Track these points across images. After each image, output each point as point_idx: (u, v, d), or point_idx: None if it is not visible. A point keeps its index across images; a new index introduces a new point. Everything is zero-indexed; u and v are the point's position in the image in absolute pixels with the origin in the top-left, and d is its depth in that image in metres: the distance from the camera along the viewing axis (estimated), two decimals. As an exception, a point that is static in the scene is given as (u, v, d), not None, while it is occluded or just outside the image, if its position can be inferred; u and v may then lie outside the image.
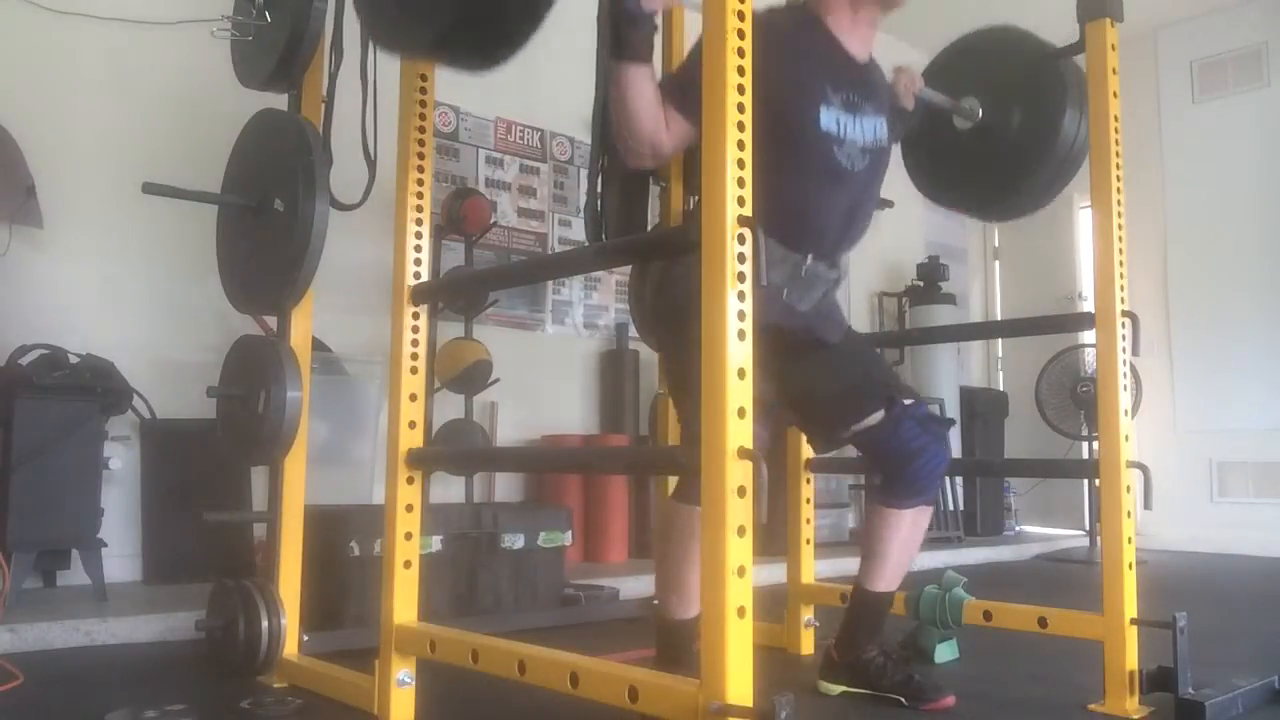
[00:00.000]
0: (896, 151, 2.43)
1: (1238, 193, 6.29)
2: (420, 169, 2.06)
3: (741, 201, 1.36)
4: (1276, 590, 4.54)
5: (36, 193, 3.24)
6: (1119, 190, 2.16)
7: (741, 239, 1.35)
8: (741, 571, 1.31)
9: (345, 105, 2.37)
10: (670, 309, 1.96)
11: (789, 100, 1.95)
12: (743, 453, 1.32)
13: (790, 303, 2.05)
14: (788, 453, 2.75)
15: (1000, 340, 7.37)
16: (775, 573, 2.75)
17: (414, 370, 2.02)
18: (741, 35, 1.38)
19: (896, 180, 2.46)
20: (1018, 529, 6.48)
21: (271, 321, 2.47)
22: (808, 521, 2.77)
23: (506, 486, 4.50)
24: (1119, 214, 2.16)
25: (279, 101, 2.41)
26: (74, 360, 3.17)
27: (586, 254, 2.01)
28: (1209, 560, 5.53)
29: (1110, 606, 2.09)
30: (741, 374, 1.34)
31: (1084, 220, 6.61)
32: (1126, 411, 2.13)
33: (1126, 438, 2.12)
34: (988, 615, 2.38)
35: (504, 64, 1.77)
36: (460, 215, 4.02)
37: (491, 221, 4.26)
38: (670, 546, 1.99)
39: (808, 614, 2.73)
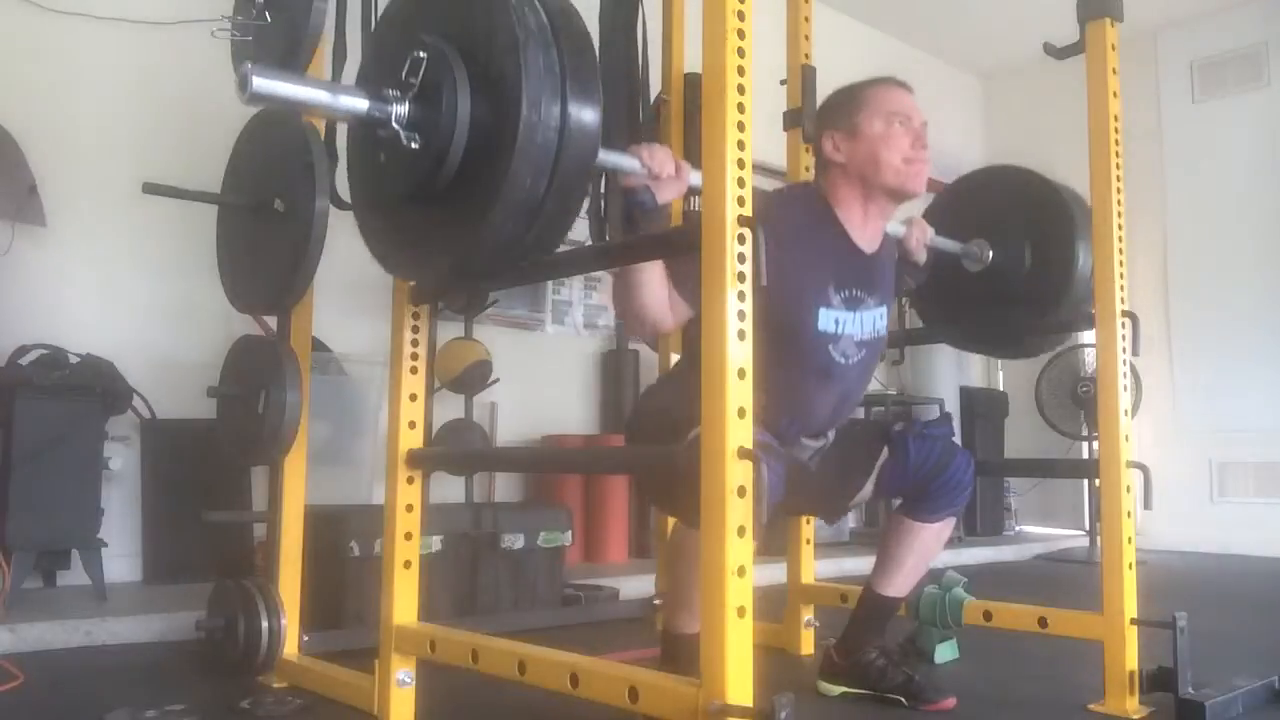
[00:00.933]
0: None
1: (1238, 193, 6.29)
2: (420, 169, 2.06)
3: (741, 201, 1.36)
4: (1276, 590, 4.54)
5: (38, 191, 3.24)
6: (1119, 190, 2.16)
7: (741, 239, 1.35)
8: (741, 571, 1.31)
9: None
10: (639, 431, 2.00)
11: (789, 299, 1.90)
12: (743, 453, 1.32)
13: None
14: (788, 453, 2.75)
15: (1000, 340, 7.35)
16: (775, 573, 2.75)
17: (414, 370, 2.02)
18: (741, 35, 1.38)
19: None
20: (1018, 529, 6.48)
21: (271, 321, 2.47)
22: (808, 521, 2.77)
23: (506, 486, 4.50)
24: (1119, 214, 2.16)
25: (279, 101, 2.41)
26: (74, 360, 3.17)
27: (586, 254, 2.01)
28: (1209, 560, 5.53)
29: (1110, 606, 2.09)
30: (741, 374, 1.34)
31: (1084, 220, 6.60)
32: (1126, 411, 2.13)
33: (1126, 438, 2.12)
34: (988, 615, 2.39)
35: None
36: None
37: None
38: (680, 567, 1.99)
39: (808, 614, 2.73)
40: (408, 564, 1.96)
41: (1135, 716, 2.05)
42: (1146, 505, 2.35)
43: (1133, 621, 2.07)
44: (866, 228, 2.08)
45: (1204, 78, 6.51)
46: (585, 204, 2.59)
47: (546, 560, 3.22)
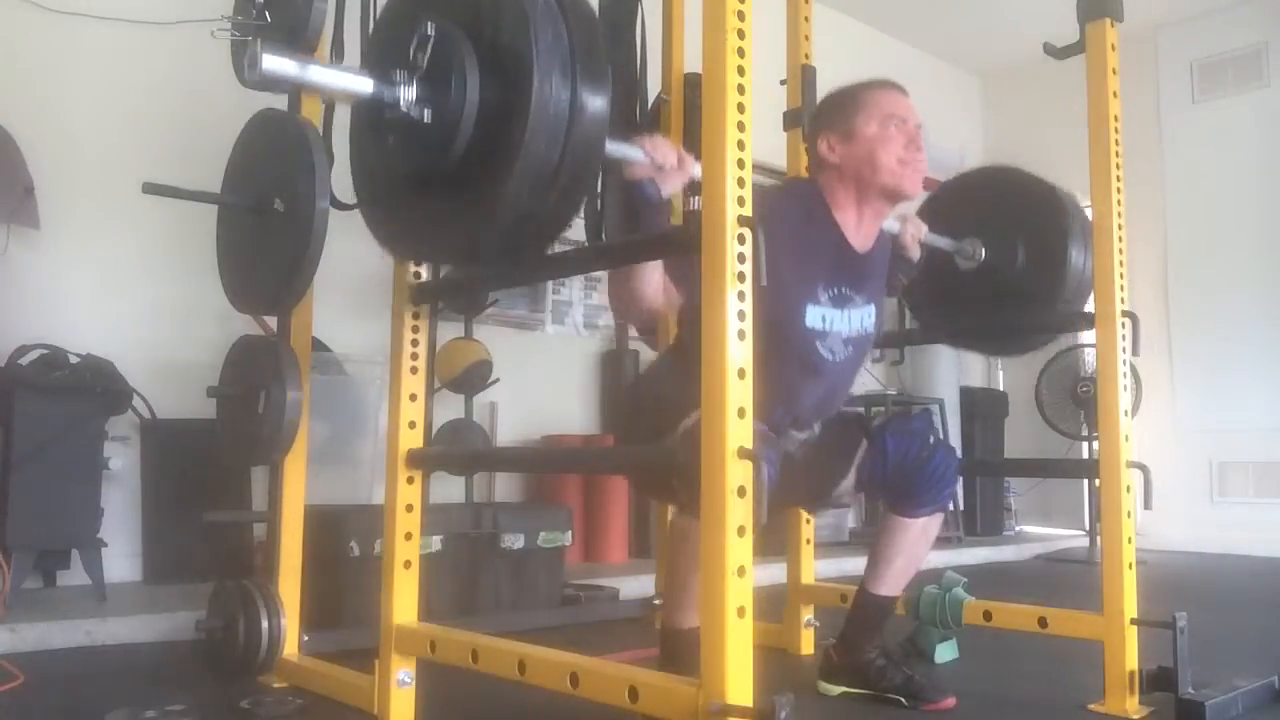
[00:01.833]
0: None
1: (1238, 193, 6.29)
2: (420, 169, 2.06)
3: (741, 201, 1.36)
4: (1276, 590, 4.54)
5: (35, 193, 3.24)
6: (1119, 190, 2.16)
7: (741, 239, 1.35)
8: (741, 571, 1.31)
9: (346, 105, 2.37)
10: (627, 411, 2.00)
11: (779, 295, 1.87)
12: (743, 453, 1.32)
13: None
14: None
15: (1000, 340, 7.36)
16: (775, 573, 2.75)
17: (414, 370, 2.02)
18: (741, 35, 1.38)
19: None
20: (1018, 529, 6.48)
21: (271, 321, 2.47)
22: (808, 521, 2.77)
23: (506, 486, 4.50)
24: (1119, 214, 2.16)
25: (279, 101, 2.41)
26: (74, 360, 3.17)
27: (587, 254, 2.01)
28: (1209, 560, 5.53)
29: (1110, 606, 2.09)
30: (741, 374, 1.34)
31: (1084, 220, 6.60)
32: (1126, 411, 2.13)
33: (1126, 438, 2.12)
34: (988, 615, 2.39)
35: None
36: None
37: (491, 221, 4.25)
38: (679, 560, 2.00)
39: (808, 614, 2.73)
40: (408, 564, 1.96)
41: (1135, 716, 2.05)
42: (1146, 505, 2.35)
43: (1133, 621, 2.07)
44: (861, 228, 2.09)
45: (1204, 78, 6.51)
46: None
47: (546, 560, 3.22)
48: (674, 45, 3.04)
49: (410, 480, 1.98)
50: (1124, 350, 2.15)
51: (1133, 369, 2.26)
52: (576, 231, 5.30)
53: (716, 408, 1.33)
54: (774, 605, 2.61)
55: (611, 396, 4.92)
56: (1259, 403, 6.06)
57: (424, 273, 2.06)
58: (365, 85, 1.50)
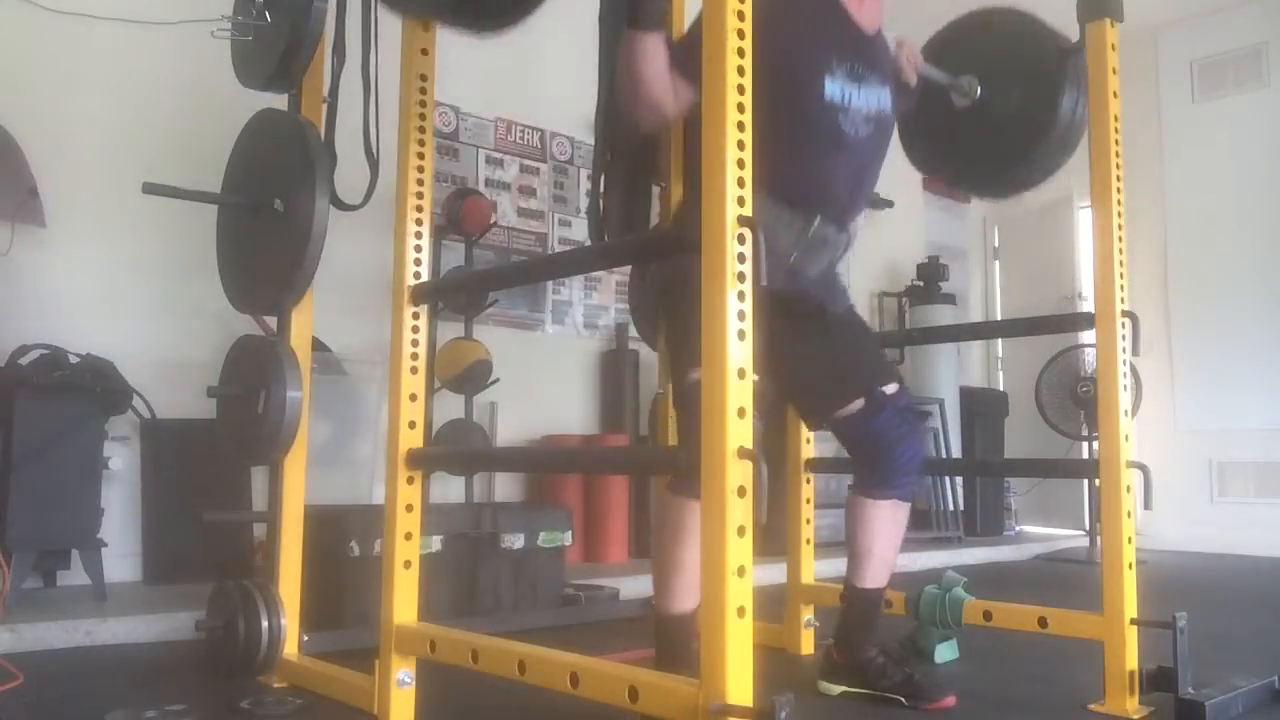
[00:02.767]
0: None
1: (1238, 192, 6.29)
2: (420, 169, 2.06)
3: (741, 201, 1.36)
4: (1276, 590, 4.54)
5: (39, 192, 3.24)
6: (1119, 190, 2.16)
7: (741, 239, 1.35)
8: (741, 571, 1.31)
9: (346, 105, 2.37)
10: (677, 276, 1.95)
11: (794, 70, 1.98)
12: (743, 453, 1.32)
13: (798, 267, 2.06)
14: (788, 453, 2.75)
15: (1000, 340, 7.37)
16: (775, 573, 2.75)
17: (414, 370, 2.02)
18: (741, 35, 1.38)
19: (897, 181, 2.46)
20: (1017, 529, 6.48)
21: (271, 321, 2.47)
22: (808, 521, 2.77)
23: (506, 486, 4.50)
24: (1119, 214, 2.16)
25: (279, 101, 2.41)
26: (74, 360, 3.17)
27: (587, 254, 2.01)
28: (1209, 560, 5.53)
29: (1110, 606, 2.09)
30: (741, 374, 1.34)
31: (1084, 220, 6.60)
32: (1126, 411, 2.13)
33: (1126, 438, 2.12)
34: (988, 615, 2.38)
35: (507, 29, 1.76)
36: (460, 215, 4.02)
37: (491, 221, 4.26)
38: (664, 537, 1.99)
39: (808, 614, 2.73)
40: (408, 564, 1.96)
41: (1135, 716, 2.05)
42: (1146, 505, 2.35)
43: (1133, 621, 2.07)
44: (864, 7, 2.13)
45: (1204, 78, 6.51)
46: (584, 204, 2.58)
47: (546, 560, 3.22)
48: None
49: (410, 480, 1.98)
50: (1124, 350, 2.15)
51: (1133, 369, 2.26)
52: (577, 232, 5.33)
53: (717, 407, 1.33)
54: (774, 605, 2.61)
55: (612, 396, 4.92)
56: (1259, 403, 6.06)
57: (424, 273, 2.06)
58: None
